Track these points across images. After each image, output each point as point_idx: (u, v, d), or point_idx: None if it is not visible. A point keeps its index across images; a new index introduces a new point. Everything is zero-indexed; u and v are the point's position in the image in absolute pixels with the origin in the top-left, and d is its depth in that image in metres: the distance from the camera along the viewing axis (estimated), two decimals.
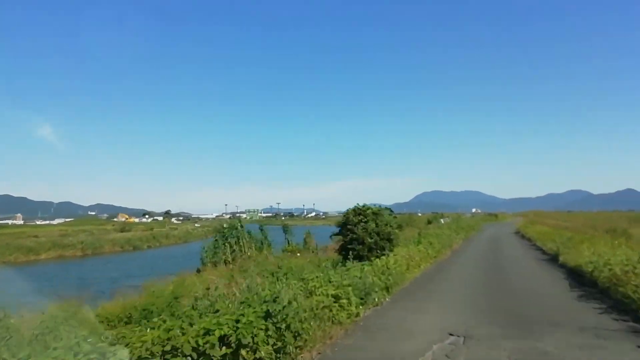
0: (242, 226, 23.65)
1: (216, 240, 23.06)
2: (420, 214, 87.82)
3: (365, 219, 15.17)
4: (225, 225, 23.74)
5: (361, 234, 14.81)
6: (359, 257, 14.11)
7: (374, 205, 16.24)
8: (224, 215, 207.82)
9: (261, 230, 26.74)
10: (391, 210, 17.22)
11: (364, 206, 15.76)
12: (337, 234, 16.27)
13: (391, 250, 14.63)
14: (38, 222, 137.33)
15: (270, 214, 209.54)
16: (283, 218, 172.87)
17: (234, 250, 22.47)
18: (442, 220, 32.25)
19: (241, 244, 23.08)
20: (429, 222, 42.45)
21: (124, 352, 3.40)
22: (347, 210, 16.12)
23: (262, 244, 25.12)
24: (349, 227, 15.27)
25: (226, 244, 22.42)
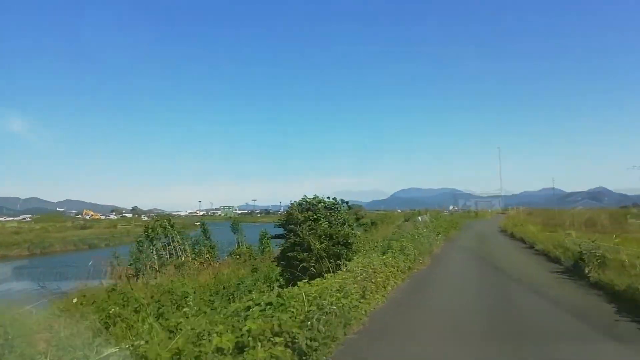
0: (172, 226, 18.85)
1: (139, 242, 18.17)
2: (399, 211, 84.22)
3: (315, 216, 10.88)
4: (150, 226, 18.80)
5: (307, 237, 10.42)
6: (303, 270, 9.79)
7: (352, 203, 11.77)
8: (197, 212, 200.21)
9: (204, 230, 21.98)
10: (348, 205, 12.85)
11: (314, 198, 11.36)
12: (277, 237, 11.90)
13: (349, 260, 10.27)
14: (1, 219, 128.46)
15: (246, 211, 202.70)
16: (258, 215, 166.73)
17: (161, 256, 17.73)
18: (419, 218, 28.04)
19: (173, 247, 18.35)
20: (406, 220, 38.15)
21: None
22: (292, 203, 11.72)
23: (203, 246, 20.46)
24: (290, 226, 10.91)
25: (151, 248, 17.63)
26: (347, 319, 5.57)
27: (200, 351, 3.69)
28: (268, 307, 4.62)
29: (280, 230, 11.95)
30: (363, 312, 6.70)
